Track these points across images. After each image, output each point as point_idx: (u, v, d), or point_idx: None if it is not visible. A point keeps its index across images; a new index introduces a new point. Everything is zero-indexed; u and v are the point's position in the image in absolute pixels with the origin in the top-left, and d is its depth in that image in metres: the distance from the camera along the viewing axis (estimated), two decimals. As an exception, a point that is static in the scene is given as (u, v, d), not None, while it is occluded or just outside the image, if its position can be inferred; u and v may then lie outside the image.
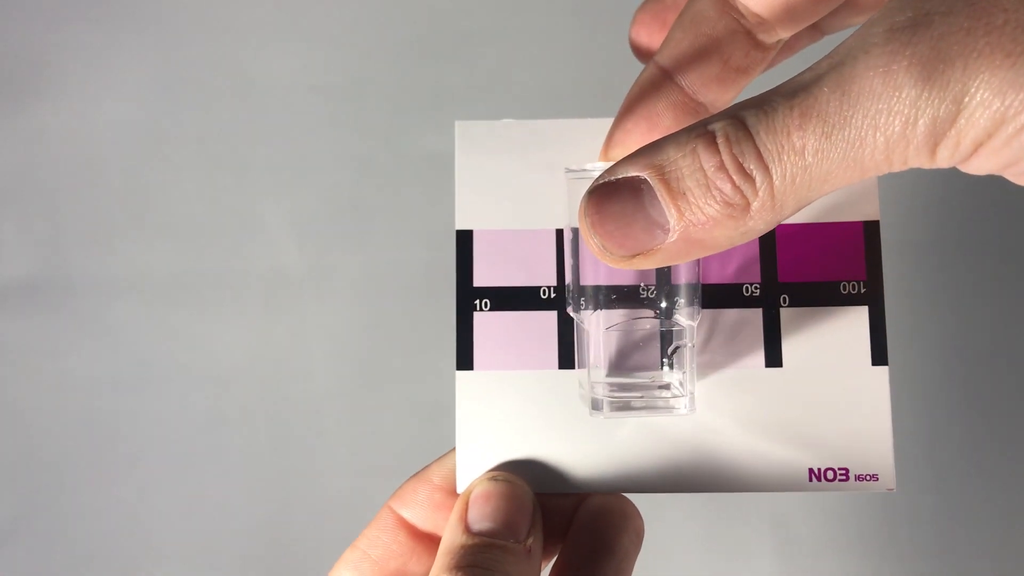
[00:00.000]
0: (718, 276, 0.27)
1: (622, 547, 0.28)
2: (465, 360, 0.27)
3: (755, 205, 0.21)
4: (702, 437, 0.27)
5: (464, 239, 0.28)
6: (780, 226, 0.27)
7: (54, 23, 0.57)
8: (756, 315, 0.27)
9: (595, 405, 0.27)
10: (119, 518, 0.53)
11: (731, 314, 0.27)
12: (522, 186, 0.28)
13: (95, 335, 0.54)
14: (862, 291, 0.27)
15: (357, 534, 0.29)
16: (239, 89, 0.56)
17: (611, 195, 0.22)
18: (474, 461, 0.27)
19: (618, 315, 0.26)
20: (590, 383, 0.27)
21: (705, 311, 0.27)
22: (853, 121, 0.20)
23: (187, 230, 0.55)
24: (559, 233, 0.28)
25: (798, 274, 0.27)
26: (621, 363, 0.27)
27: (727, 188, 0.21)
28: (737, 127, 0.20)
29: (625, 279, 0.26)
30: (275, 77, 0.56)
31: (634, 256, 0.22)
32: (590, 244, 0.23)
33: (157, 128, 0.56)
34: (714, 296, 0.27)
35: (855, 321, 0.27)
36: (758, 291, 0.27)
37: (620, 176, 0.22)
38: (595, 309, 0.26)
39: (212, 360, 0.54)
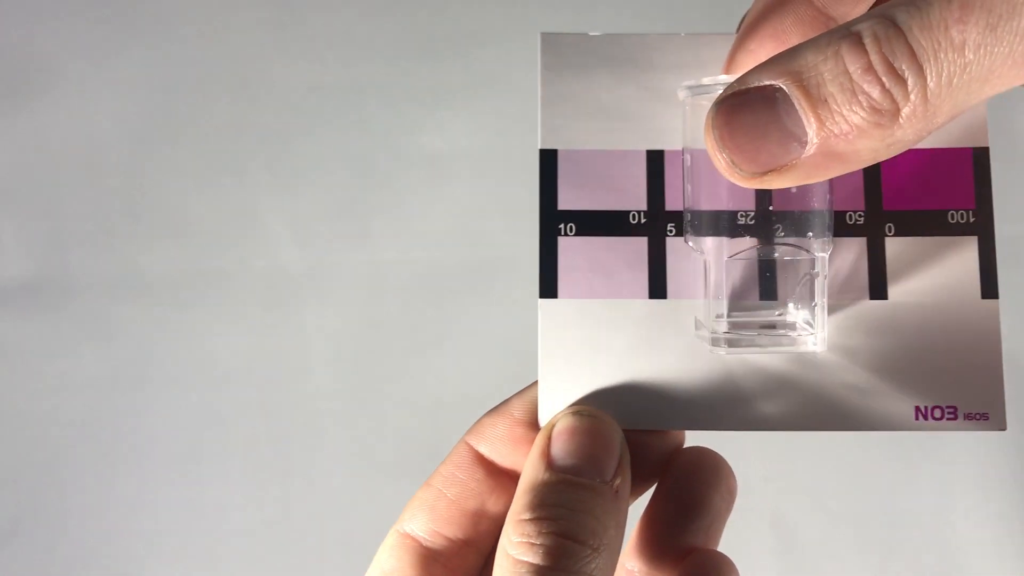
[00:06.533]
0: None
1: (714, 505, 0.27)
2: (549, 287, 0.26)
3: (906, 111, 0.19)
4: (801, 373, 0.25)
5: (548, 159, 0.26)
6: None
7: (54, 23, 0.57)
8: (860, 244, 0.26)
9: (715, 342, 0.25)
10: (119, 518, 0.53)
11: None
12: (610, 104, 0.26)
13: (95, 335, 0.54)
14: (971, 220, 0.25)
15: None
16: (239, 89, 0.56)
17: (742, 106, 0.20)
18: (557, 394, 0.25)
19: (741, 244, 0.24)
20: (709, 317, 0.25)
21: None
22: None
23: (187, 230, 0.55)
24: (650, 155, 0.26)
25: (904, 202, 0.25)
26: (744, 296, 0.25)
27: (875, 92, 0.19)
28: (887, 26, 0.19)
29: (750, 204, 0.24)
30: (275, 77, 0.56)
31: (766, 173, 0.20)
32: (718, 161, 0.21)
33: (157, 128, 0.56)
34: None
35: (964, 251, 0.25)
36: (862, 219, 0.26)
37: (752, 85, 0.20)
38: (716, 236, 0.24)
39: (212, 360, 0.54)
